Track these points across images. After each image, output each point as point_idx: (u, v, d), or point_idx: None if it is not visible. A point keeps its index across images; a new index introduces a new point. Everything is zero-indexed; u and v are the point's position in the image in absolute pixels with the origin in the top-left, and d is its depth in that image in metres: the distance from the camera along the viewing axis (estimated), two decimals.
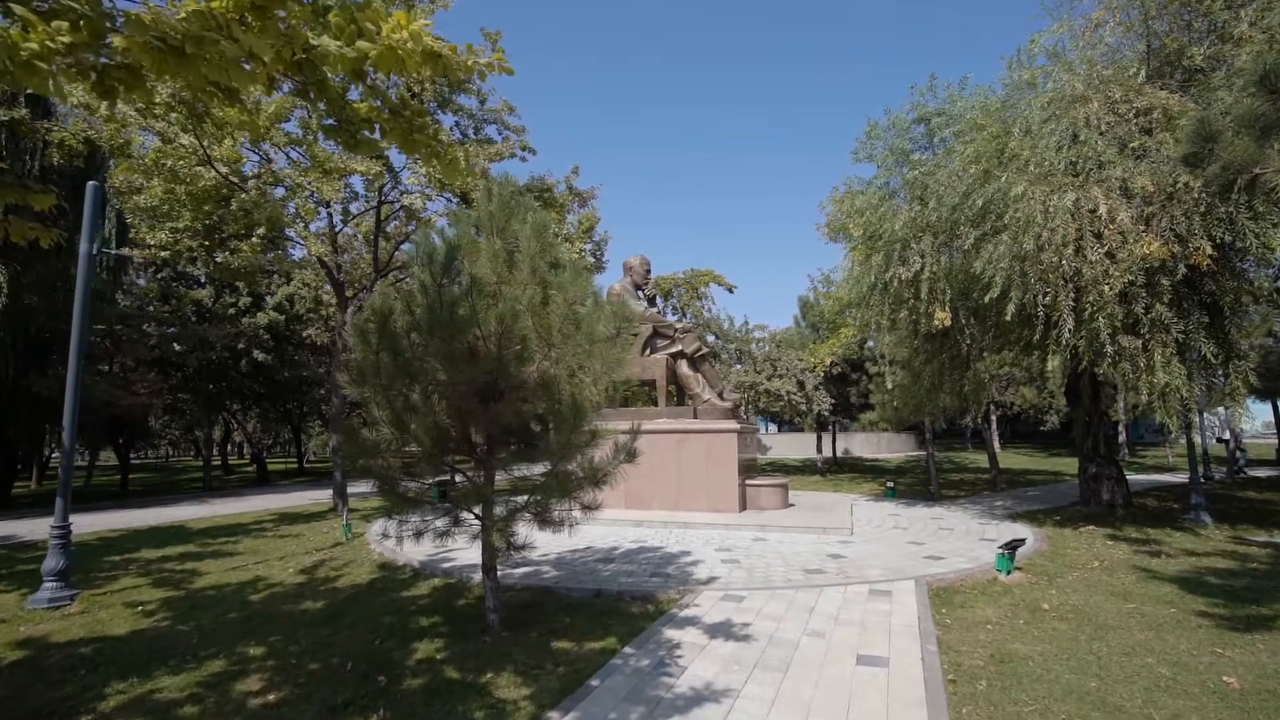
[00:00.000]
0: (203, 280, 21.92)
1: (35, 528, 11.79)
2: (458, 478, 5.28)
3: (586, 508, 5.12)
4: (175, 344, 19.83)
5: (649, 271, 14.10)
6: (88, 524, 12.26)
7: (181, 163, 9.84)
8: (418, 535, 5.24)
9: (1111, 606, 5.61)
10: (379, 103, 3.04)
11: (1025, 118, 9.34)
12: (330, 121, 3.60)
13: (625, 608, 5.81)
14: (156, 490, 22.93)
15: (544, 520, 4.81)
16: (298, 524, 11.74)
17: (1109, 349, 8.05)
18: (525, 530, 4.97)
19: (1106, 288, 7.95)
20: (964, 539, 9.05)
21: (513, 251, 5.26)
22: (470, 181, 10.99)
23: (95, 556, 8.74)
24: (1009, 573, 6.80)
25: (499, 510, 5.04)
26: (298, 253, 15.41)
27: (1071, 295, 8.29)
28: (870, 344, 21.71)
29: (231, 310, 21.55)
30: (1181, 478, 18.63)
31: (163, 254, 12.54)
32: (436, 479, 5.16)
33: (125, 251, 8.24)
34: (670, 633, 5.01)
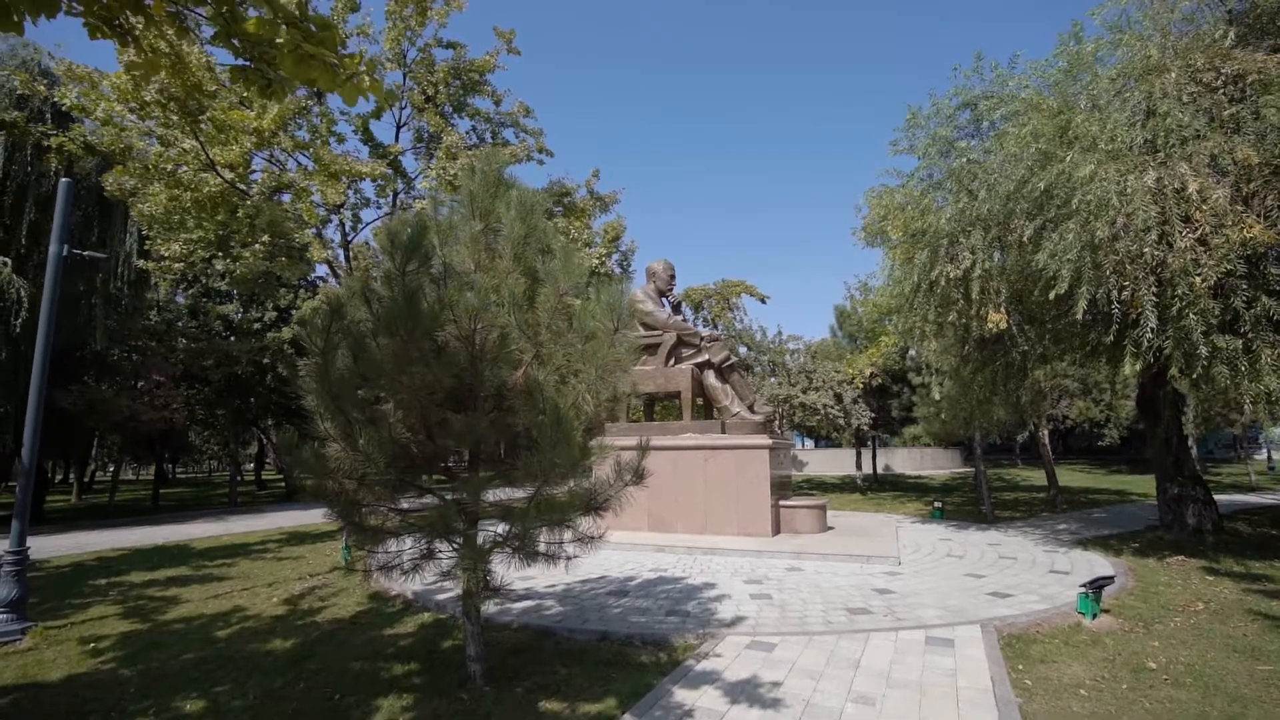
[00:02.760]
0: (233, 295, 22.00)
1: (51, 545, 11.51)
2: (431, 500, 4.53)
3: (582, 539, 4.31)
4: (201, 359, 19.79)
5: (673, 277, 13.29)
6: (93, 542, 11.96)
7: (185, 167, 9.46)
8: (386, 570, 4.51)
9: (1239, 668, 4.49)
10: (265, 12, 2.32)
11: (1090, 92, 8.28)
12: (242, 62, 2.93)
13: (633, 656, 4.93)
14: (187, 506, 22.89)
15: (526, 554, 3.99)
16: (304, 544, 11.18)
17: (1202, 350, 6.89)
18: (509, 567, 4.15)
19: (1198, 279, 6.81)
20: (1030, 570, 7.90)
21: (498, 236, 4.54)
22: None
23: (81, 580, 8.25)
24: (1094, 616, 5.69)
25: (490, 535, 4.26)
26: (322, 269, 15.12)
27: (1153, 289, 7.16)
28: (912, 353, 20.43)
29: (256, 325, 21.49)
30: (1272, 498, 16.83)
31: (176, 265, 12.27)
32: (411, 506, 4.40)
33: (96, 254, 7.79)
34: (681, 694, 4.11)
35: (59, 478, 41.28)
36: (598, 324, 4.08)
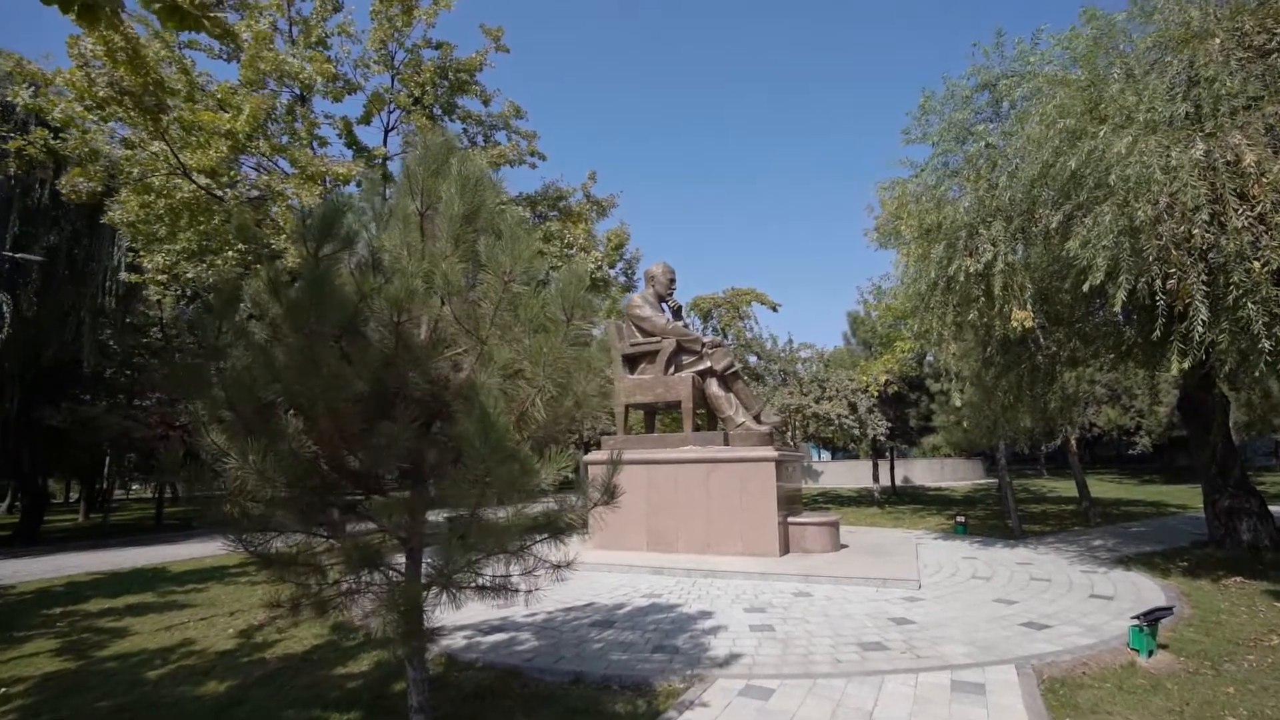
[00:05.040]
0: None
1: (31, 568, 11.06)
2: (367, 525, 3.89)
3: (530, 572, 3.64)
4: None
5: (673, 280, 12.63)
6: (75, 564, 11.49)
7: (154, 172, 9.03)
8: (318, 608, 3.87)
9: None
10: None
11: (1124, 61, 7.53)
12: None
13: (607, 704, 4.23)
14: (192, 524, 22.42)
15: (455, 591, 3.32)
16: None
17: (1264, 344, 6.06)
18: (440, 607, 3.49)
19: (1257, 263, 6.01)
20: (1068, 595, 7.06)
21: (439, 217, 3.92)
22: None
23: (36, 609, 7.72)
24: (1151, 654, 4.88)
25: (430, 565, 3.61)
26: None
27: (1204, 276, 6.36)
28: (929, 359, 19.54)
29: None
30: None
31: (160, 277, 11.86)
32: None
33: (29, 257, 7.33)
34: None
35: (74, 496, 41.42)
36: (546, 315, 3.42)
